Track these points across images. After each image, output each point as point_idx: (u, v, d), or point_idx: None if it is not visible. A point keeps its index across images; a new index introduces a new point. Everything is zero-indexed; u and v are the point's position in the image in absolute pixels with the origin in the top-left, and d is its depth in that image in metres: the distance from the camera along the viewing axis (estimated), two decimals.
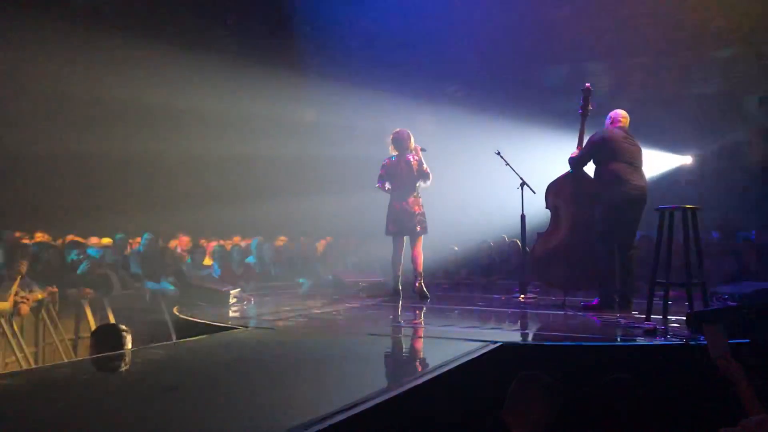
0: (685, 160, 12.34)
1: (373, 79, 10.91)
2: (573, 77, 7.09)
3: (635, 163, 6.34)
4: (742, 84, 12.42)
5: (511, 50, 12.15)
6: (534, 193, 7.32)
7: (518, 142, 8.68)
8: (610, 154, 6.33)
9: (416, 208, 7.28)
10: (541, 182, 7.08)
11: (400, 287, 7.40)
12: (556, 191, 6.88)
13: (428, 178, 7.32)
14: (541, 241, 7.01)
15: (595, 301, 6.39)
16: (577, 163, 6.68)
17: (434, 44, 12.10)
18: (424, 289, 7.30)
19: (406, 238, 7.41)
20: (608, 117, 6.57)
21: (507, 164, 7.57)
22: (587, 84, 6.95)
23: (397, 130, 7.46)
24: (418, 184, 7.33)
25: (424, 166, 7.29)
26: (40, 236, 8.74)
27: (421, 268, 7.35)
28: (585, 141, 6.74)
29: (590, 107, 6.86)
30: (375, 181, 7.42)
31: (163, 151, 10.62)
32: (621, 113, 6.54)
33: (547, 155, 7.86)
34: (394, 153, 7.38)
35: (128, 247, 9.35)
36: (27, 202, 9.47)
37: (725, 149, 12.17)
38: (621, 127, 6.46)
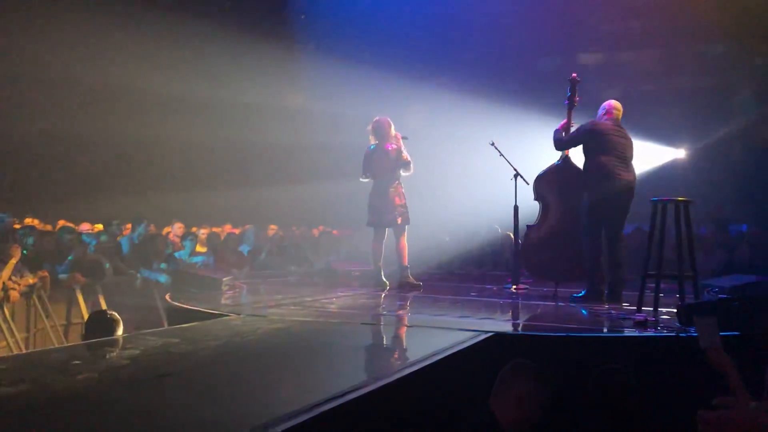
0: (678, 153, 12.36)
1: (367, 65, 10.85)
2: (567, 68, 7.07)
3: (624, 156, 6.31)
4: (735, 78, 12.46)
5: (506, 40, 12.14)
6: (528, 184, 7.32)
7: (513, 133, 8.68)
8: (599, 145, 6.29)
9: (397, 199, 7.16)
10: (534, 173, 7.08)
11: (385, 279, 7.29)
12: (544, 182, 6.90)
13: (409, 166, 7.20)
14: (529, 233, 7.03)
15: (583, 292, 6.41)
16: (563, 144, 6.66)
17: (430, 31, 12.07)
18: (412, 280, 7.24)
19: (388, 230, 7.30)
20: (602, 107, 6.53)
21: (501, 155, 7.57)
22: (574, 74, 6.92)
23: (377, 118, 7.33)
24: (398, 173, 7.23)
25: (404, 154, 7.18)
26: (31, 221, 8.70)
27: (406, 261, 7.24)
28: (571, 129, 6.73)
29: (577, 98, 6.84)
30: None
31: (157, 138, 10.58)
32: (614, 104, 6.48)
33: (541, 146, 7.86)
34: (374, 142, 7.27)
35: (121, 234, 9.33)
36: (19, 186, 9.43)
37: (718, 143, 12.19)
38: (613, 119, 6.41)
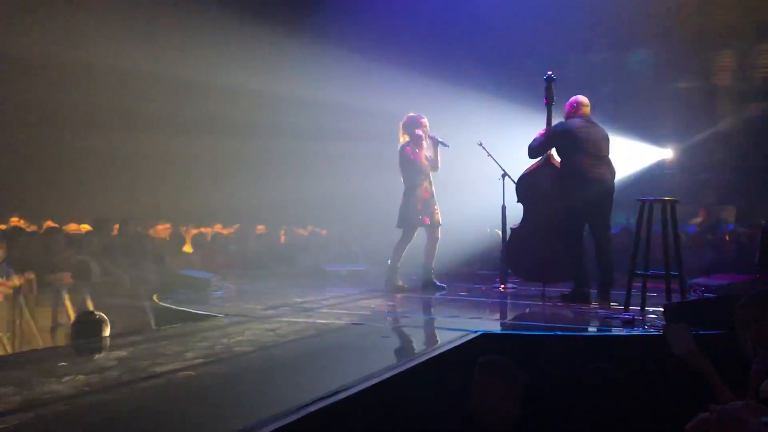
0: (666, 153, 12.43)
1: (364, 59, 10.78)
2: (554, 68, 7.03)
3: (598, 153, 6.24)
4: (723, 79, 12.55)
5: (493, 40, 12.17)
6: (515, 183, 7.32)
7: (500, 133, 8.68)
8: (570, 146, 6.26)
9: (413, 200, 7.18)
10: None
11: (401, 282, 7.26)
12: (527, 184, 6.86)
13: (404, 167, 7.20)
14: (514, 234, 7.03)
15: (569, 292, 6.39)
16: (533, 151, 6.61)
17: (415, 29, 12.04)
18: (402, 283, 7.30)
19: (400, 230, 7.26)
20: (569, 103, 6.45)
21: (489, 155, 7.57)
22: (549, 72, 6.78)
23: (411, 114, 7.30)
24: (411, 174, 7.20)
25: (404, 152, 7.19)
26: (16, 221, 8.63)
27: (398, 262, 7.27)
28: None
29: (554, 95, 6.68)
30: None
31: (145, 139, 10.48)
32: (581, 100, 6.40)
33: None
34: (403, 140, 7.22)
35: (108, 234, 9.26)
36: (3, 186, 9.33)
37: (705, 142, 12.26)
38: (582, 115, 6.34)
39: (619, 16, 11.64)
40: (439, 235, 7.29)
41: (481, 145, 7.56)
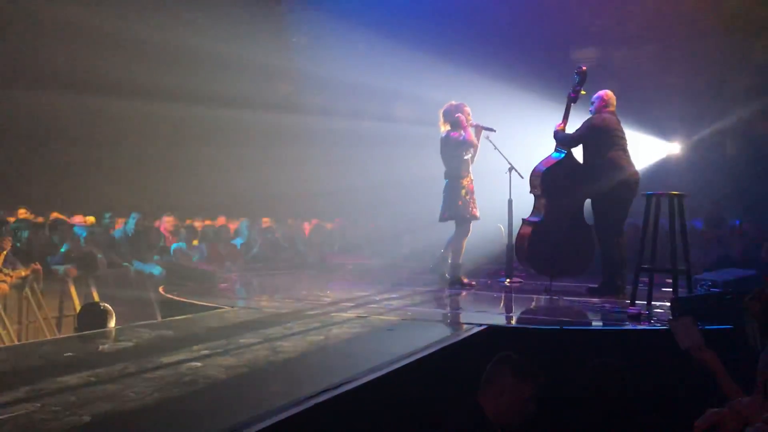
0: (673, 147, 12.36)
1: (360, 55, 10.70)
2: (563, 62, 6.97)
3: (628, 150, 6.28)
4: (729, 74, 12.48)
5: (499, 34, 12.11)
6: (522, 177, 7.26)
7: (507, 126, 8.64)
8: (608, 141, 6.21)
9: (461, 192, 6.96)
10: (529, 167, 7.00)
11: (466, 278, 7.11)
12: (542, 176, 6.74)
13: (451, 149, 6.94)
14: (525, 226, 6.93)
15: (598, 285, 6.30)
16: (570, 142, 6.50)
17: (419, 18, 11.97)
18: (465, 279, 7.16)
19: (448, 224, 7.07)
20: (597, 98, 6.38)
21: (495, 148, 7.52)
22: (584, 66, 6.68)
23: (453, 102, 7.05)
24: (457, 163, 6.95)
25: (456, 135, 6.96)
26: (23, 213, 8.64)
27: (459, 259, 7.11)
28: (568, 121, 6.62)
29: (583, 91, 6.61)
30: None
31: (150, 129, 10.48)
32: (612, 95, 6.37)
33: (536, 140, 7.82)
34: (445, 129, 6.97)
35: (115, 226, 9.29)
36: (9, 178, 9.35)
37: (712, 137, 12.21)
38: (613, 112, 6.33)
39: (628, 9, 11.57)
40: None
41: (488, 138, 7.52)
